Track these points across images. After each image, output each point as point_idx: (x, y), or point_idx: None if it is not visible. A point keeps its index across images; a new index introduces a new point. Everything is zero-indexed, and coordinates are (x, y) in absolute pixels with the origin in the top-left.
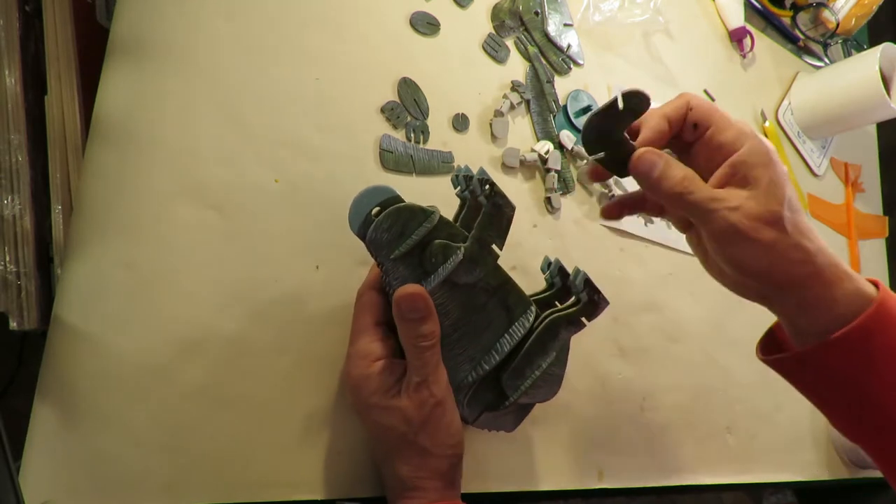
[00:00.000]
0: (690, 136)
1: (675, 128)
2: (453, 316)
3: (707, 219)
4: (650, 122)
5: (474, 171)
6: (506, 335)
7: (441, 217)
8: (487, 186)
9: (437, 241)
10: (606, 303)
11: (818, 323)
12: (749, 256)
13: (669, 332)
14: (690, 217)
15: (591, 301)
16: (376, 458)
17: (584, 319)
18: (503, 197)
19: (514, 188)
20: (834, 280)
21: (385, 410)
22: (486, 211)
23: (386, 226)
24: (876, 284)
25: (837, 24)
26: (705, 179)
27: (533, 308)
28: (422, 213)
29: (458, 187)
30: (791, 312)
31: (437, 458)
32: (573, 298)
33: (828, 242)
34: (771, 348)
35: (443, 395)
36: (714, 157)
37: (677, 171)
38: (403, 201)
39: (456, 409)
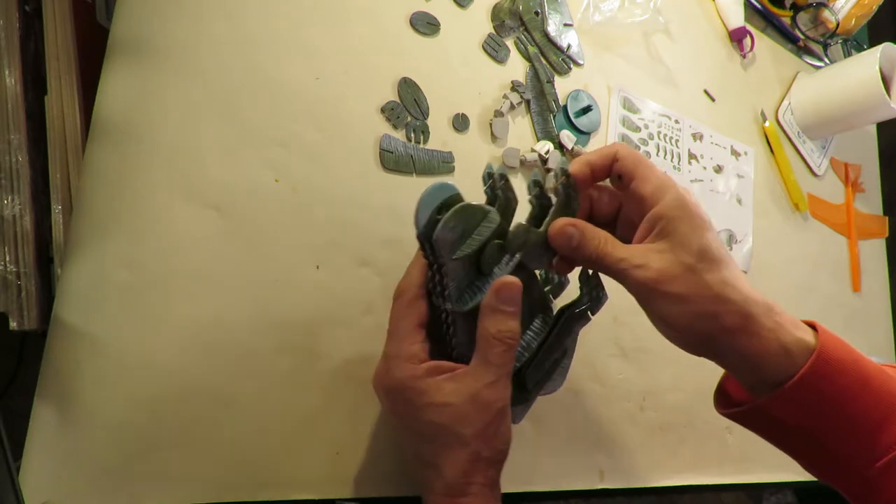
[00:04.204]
0: (616, 185)
1: (598, 175)
2: None
3: (620, 279)
4: (572, 168)
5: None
6: (529, 332)
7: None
8: (565, 177)
9: (496, 242)
10: (607, 297)
11: (762, 376)
12: (666, 311)
13: None
14: (612, 278)
15: (597, 296)
16: (420, 458)
17: (590, 314)
18: (577, 190)
19: (515, 188)
20: (769, 329)
21: (439, 409)
22: (561, 201)
23: (451, 225)
24: (814, 327)
25: (837, 24)
26: (636, 230)
27: (552, 305)
28: (481, 212)
29: (488, 185)
30: (732, 365)
31: (490, 462)
32: (581, 294)
33: (828, 242)
34: (725, 401)
35: (508, 398)
36: (638, 209)
37: (593, 238)
38: (463, 199)
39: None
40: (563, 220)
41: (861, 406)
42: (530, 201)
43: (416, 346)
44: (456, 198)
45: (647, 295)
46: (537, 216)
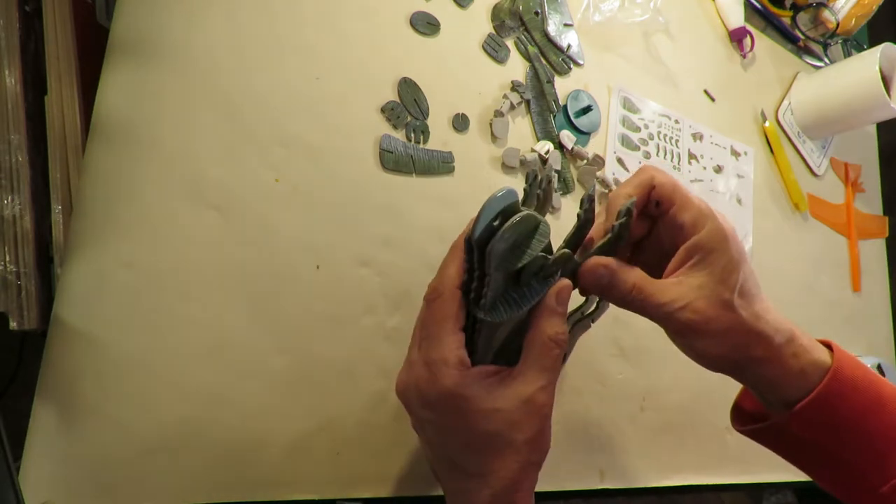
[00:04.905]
0: (653, 211)
1: (639, 206)
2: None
3: (660, 322)
4: (613, 205)
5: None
6: None
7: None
8: (626, 217)
9: (542, 255)
10: (608, 306)
11: (781, 395)
12: (705, 346)
13: None
14: (645, 317)
15: (599, 306)
16: (462, 469)
17: (591, 322)
18: (629, 230)
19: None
20: (792, 355)
21: (490, 415)
22: (612, 239)
23: (507, 236)
24: (830, 346)
25: (837, 24)
26: (668, 256)
27: None
28: (534, 223)
29: (529, 182)
30: (756, 385)
31: (537, 467)
32: (586, 302)
33: (828, 242)
34: (742, 418)
35: (553, 402)
36: (675, 236)
37: (626, 280)
38: (521, 208)
39: None
40: (594, 260)
41: (875, 424)
42: (578, 215)
43: (460, 350)
44: (515, 206)
45: (689, 334)
46: (575, 235)
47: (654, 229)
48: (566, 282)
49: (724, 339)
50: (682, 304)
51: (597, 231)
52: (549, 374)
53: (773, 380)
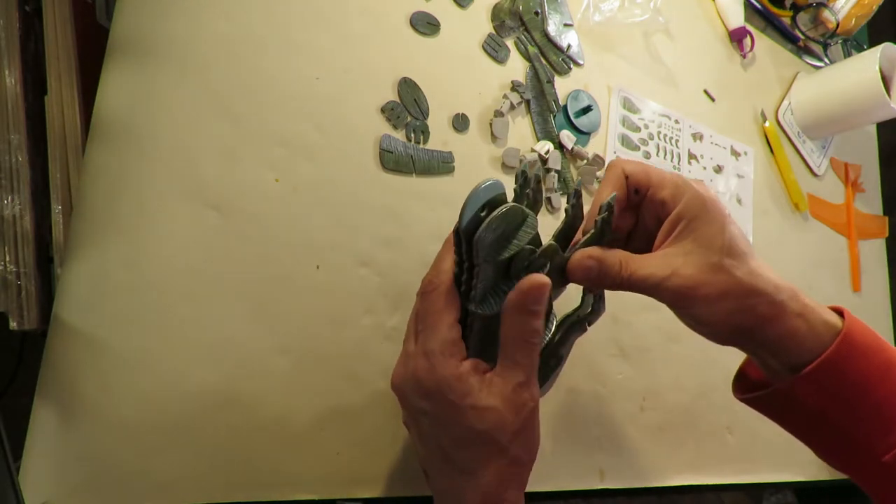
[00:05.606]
0: (634, 199)
1: (621, 201)
2: None
3: (653, 294)
4: (595, 209)
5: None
6: None
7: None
8: (608, 213)
9: (529, 247)
10: (604, 309)
11: (788, 359)
12: (704, 313)
13: (669, 331)
14: (642, 294)
15: (596, 308)
16: (452, 465)
17: (587, 324)
18: (611, 226)
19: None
20: (797, 314)
21: (482, 412)
22: (595, 234)
23: (494, 226)
24: (841, 313)
25: (837, 24)
26: (654, 235)
27: (556, 314)
28: (521, 215)
29: (519, 183)
30: (762, 351)
31: (526, 466)
32: (582, 304)
33: (828, 242)
34: (745, 386)
35: (538, 398)
36: (658, 214)
37: (613, 263)
38: (507, 199)
39: None
40: (580, 253)
41: (882, 392)
42: (566, 210)
43: (459, 341)
44: (501, 197)
45: (683, 302)
46: (563, 230)
47: (639, 218)
48: (538, 278)
49: (722, 303)
50: (666, 273)
51: (578, 235)
52: (526, 370)
53: (780, 341)
